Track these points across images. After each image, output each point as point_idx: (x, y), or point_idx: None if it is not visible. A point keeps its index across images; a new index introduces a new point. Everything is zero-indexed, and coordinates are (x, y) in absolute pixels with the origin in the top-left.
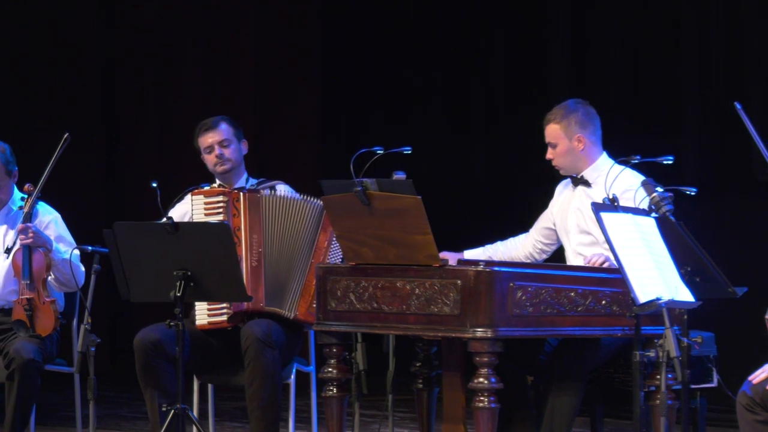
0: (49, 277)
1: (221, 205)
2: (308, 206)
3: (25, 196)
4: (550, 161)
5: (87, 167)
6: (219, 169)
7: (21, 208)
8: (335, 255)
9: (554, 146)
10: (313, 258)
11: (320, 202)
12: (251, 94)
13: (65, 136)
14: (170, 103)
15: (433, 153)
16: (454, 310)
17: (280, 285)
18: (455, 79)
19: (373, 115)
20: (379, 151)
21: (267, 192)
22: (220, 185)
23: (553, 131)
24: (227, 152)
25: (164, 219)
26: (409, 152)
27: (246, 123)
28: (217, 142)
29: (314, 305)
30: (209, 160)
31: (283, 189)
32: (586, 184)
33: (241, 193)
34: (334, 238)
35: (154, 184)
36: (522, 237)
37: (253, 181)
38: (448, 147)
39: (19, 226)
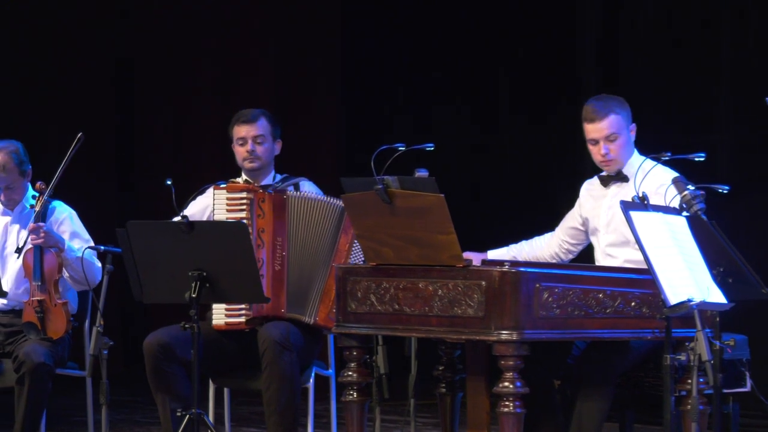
0: (65, 275)
1: (244, 202)
2: (330, 207)
3: (37, 195)
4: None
5: (100, 165)
6: (247, 165)
7: (33, 206)
8: (356, 258)
9: (614, 138)
10: (334, 261)
11: (341, 203)
12: (271, 89)
13: (78, 135)
14: (186, 99)
15: (456, 151)
16: (478, 312)
17: (302, 290)
18: (481, 76)
19: (396, 111)
20: (401, 148)
21: (291, 189)
22: (245, 181)
23: (616, 122)
24: (259, 149)
25: (179, 217)
26: (432, 149)
27: None
28: (251, 137)
29: (335, 309)
30: (239, 152)
31: (307, 187)
32: (624, 179)
33: (267, 194)
34: (356, 241)
35: (169, 182)
36: (547, 236)
37: (278, 177)
38: (473, 145)
39: (30, 225)
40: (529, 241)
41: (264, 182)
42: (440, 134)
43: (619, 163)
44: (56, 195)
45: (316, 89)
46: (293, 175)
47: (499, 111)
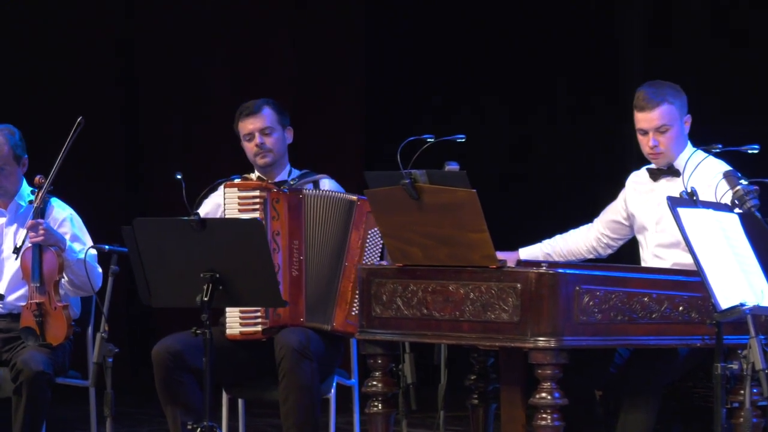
0: (63, 280)
1: (257, 200)
2: (339, 201)
3: (36, 190)
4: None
5: (105, 159)
6: (260, 161)
7: (31, 202)
8: (370, 256)
9: (665, 130)
10: (347, 260)
11: (351, 197)
12: (288, 78)
13: (78, 120)
14: (198, 88)
15: (489, 143)
16: (513, 317)
17: (321, 296)
18: (513, 66)
19: (424, 102)
20: (429, 140)
21: (310, 187)
22: (258, 177)
23: (667, 112)
24: (269, 141)
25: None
26: (463, 140)
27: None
28: (258, 130)
29: (352, 313)
30: (249, 148)
31: (328, 185)
32: (675, 174)
33: (281, 193)
34: (369, 237)
35: (179, 176)
36: (585, 228)
37: (296, 174)
38: (505, 138)
39: (29, 222)
40: (564, 235)
41: (279, 178)
42: (471, 127)
43: (668, 156)
44: (56, 192)
45: (338, 79)
46: (313, 172)
47: (535, 102)
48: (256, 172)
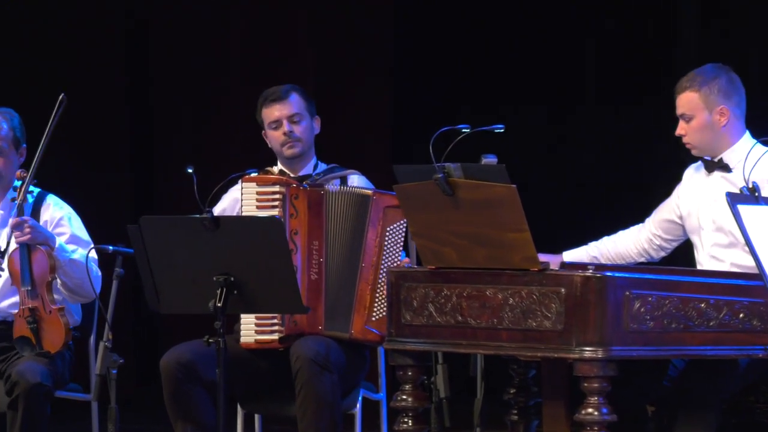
0: (57, 283)
1: (277, 197)
2: (354, 197)
3: (19, 184)
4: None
5: (109, 151)
6: (287, 151)
7: (14, 199)
8: (389, 258)
9: (688, 119)
10: (363, 261)
11: (364, 191)
12: (311, 65)
13: (60, 97)
14: (212, 75)
15: (529, 136)
16: (556, 325)
17: (340, 302)
18: (554, 53)
19: (456, 93)
20: (465, 130)
21: (337, 183)
22: (281, 171)
23: (688, 100)
24: (298, 129)
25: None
26: (502, 130)
27: None
28: (286, 117)
29: (372, 319)
30: (275, 137)
31: (357, 181)
32: (725, 168)
33: (301, 189)
34: (387, 235)
35: (190, 170)
36: (635, 229)
37: (322, 168)
38: (547, 129)
39: (12, 220)
40: (612, 237)
41: (303, 172)
42: (509, 118)
43: (698, 148)
44: (53, 187)
45: (364, 65)
46: (341, 166)
47: (580, 92)
48: (278, 164)
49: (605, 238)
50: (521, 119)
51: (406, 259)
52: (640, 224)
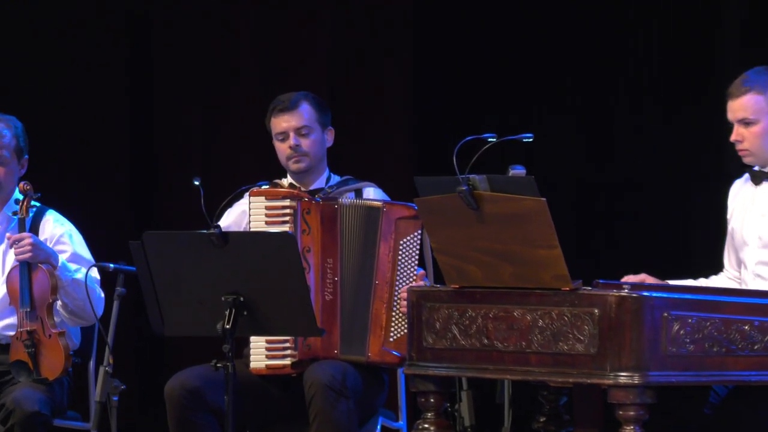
0: (57, 304)
1: (287, 212)
2: (363, 210)
3: (21, 198)
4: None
5: (109, 161)
6: (293, 166)
7: (15, 213)
8: (403, 274)
9: (749, 124)
10: (377, 278)
11: (374, 203)
12: (327, 66)
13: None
14: (221, 78)
15: (559, 146)
16: (589, 348)
17: (357, 324)
18: (587, 57)
19: (482, 100)
20: (491, 139)
21: (351, 196)
22: (291, 184)
23: (751, 104)
24: (305, 143)
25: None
26: (531, 140)
27: None
28: (293, 129)
29: (390, 339)
30: (281, 150)
31: (372, 193)
32: None
33: (313, 203)
34: (401, 248)
35: (197, 182)
36: (720, 280)
37: (335, 180)
38: (578, 139)
39: (13, 236)
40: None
41: (315, 186)
42: (538, 127)
43: (756, 156)
44: (51, 202)
45: (384, 74)
46: (355, 178)
47: (615, 101)
48: (288, 177)
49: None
50: (551, 128)
51: (422, 272)
52: (720, 273)
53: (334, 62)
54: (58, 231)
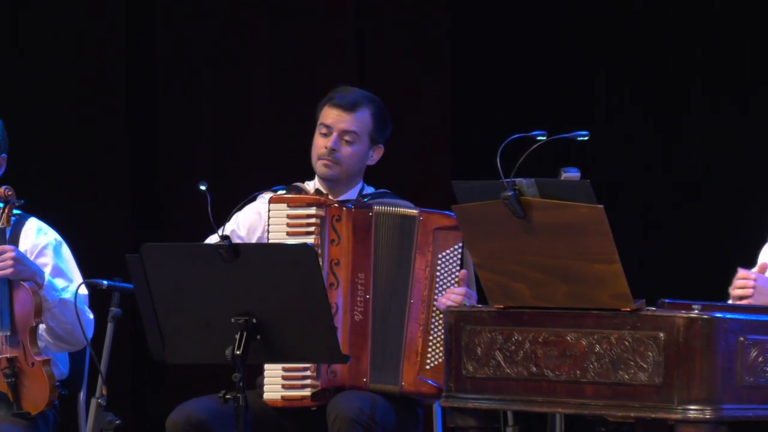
0: (41, 328)
1: (313, 221)
2: (397, 219)
3: (2, 206)
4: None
5: (104, 165)
6: (320, 168)
7: None
8: (443, 292)
9: None
10: (412, 297)
11: (409, 210)
12: (353, 68)
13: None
14: (233, 79)
15: (618, 145)
16: (654, 378)
17: (389, 348)
18: (647, 46)
19: (531, 94)
20: (541, 138)
21: (380, 206)
22: (317, 191)
23: None
24: (344, 152)
25: (216, 236)
26: (586, 138)
27: None
28: (339, 130)
29: (426, 367)
30: (318, 144)
31: None
32: None
33: (345, 209)
34: (439, 263)
35: (203, 187)
36: None
37: (368, 191)
38: (639, 139)
39: None
40: None
41: (345, 197)
42: (595, 124)
43: None
44: (34, 209)
45: (419, 74)
46: (392, 193)
47: (682, 90)
48: (315, 181)
49: None
50: (608, 126)
51: (464, 273)
52: None
53: (361, 60)
54: (41, 241)
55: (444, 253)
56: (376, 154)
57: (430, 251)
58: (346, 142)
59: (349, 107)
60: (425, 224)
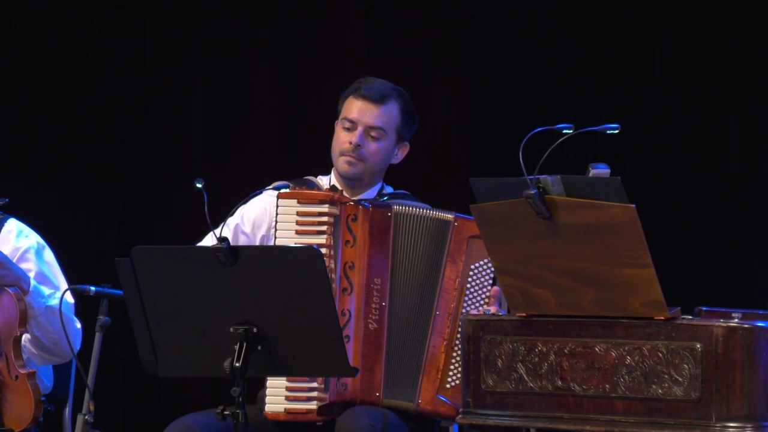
0: (24, 339)
1: (325, 220)
2: (429, 222)
3: None
4: None
5: (94, 165)
6: (342, 165)
7: None
8: (472, 304)
9: None
10: (439, 308)
11: (443, 215)
12: (365, 64)
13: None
14: (231, 74)
15: (650, 140)
16: (690, 393)
17: (406, 361)
18: (682, 35)
19: (558, 83)
20: (567, 131)
21: (404, 203)
22: (332, 187)
23: None
24: (370, 149)
25: (212, 238)
26: (617, 131)
27: None
28: (365, 125)
29: (447, 386)
30: (340, 139)
31: None
32: None
33: (361, 208)
34: (471, 274)
35: (199, 184)
36: None
37: (387, 191)
38: (673, 133)
39: None
40: None
41: (363, 196)
42: (626, 116)
43: None
44: (20, 212)
45: (437, 60)
46: (412, 195)
47: (719, 84)
48: (331, 176)
49: None
50: (638, 118)
51: (496, 289)
52: None
53: (374, 56)
54: (22, 244)
55: (477, 265)
56: (401, 152)
57: (462, 260)
58: (372, 138)
59: (376, 100)
60: (459, 231)
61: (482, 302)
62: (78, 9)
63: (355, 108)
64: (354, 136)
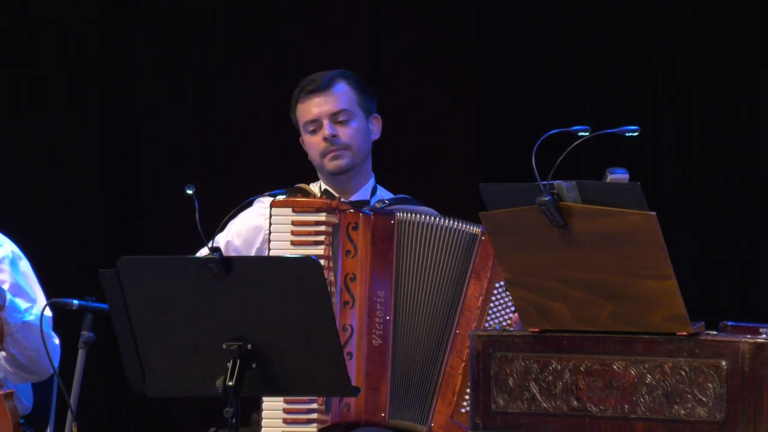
0: (0, 356)
1: (322, 229)
2: (453, 235)
3: None
4: None
5: (77, 171)
6: (330, 164)
7: None
8: (497, 319)
9: None
10: (459, 327)
11: (471, 228)
12: (367, 64)
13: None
14: (225, 74)
15: (672, 143)
16: (715, 413)
17: (415, 380)
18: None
19: (573, 83)
20: (583, 134)
21: (404, 212)
22: (325, 191)
23: None
24: (344, 133)
25: (205, 249)
26: (636, 134)
27: None
28: (327, 114)
29: (462, 410)
30: (314, 144)
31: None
32: None
33: (362, 215)
34: (496, 292)
35: (190, 191)
36: None
37: (384, 196)
38: (695, 138)
39: None
40: None
41: (357, 196)
42: (645, 118)
43: None
44: None
45: (446, 61)
46: (414, 199)
47: (743, 86)
48: (320, 183)
49: None
50: (660, 123)
51: (516, 317)
52: None
53: (377, 58)
54: None
55: (502, 284)
56: (375, 126)
57: (487, 278)
58: (341, 122)
59: (324, 87)
60: (486, 246)
61: (504, 325)
62: (63, 8)
63: (309, 108)
64: (324, 131)
